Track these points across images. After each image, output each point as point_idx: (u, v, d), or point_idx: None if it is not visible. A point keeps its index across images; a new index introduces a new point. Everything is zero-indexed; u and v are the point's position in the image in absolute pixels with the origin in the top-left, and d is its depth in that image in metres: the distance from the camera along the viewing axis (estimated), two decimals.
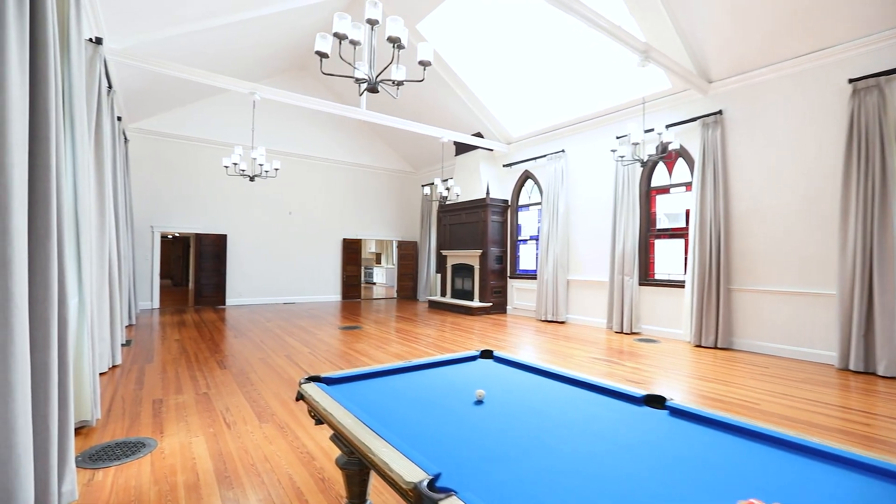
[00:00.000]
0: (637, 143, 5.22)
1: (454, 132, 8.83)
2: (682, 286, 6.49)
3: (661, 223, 7.06)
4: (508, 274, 9.73)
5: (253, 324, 7.47)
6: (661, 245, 7.03)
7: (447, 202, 8.66)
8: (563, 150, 8.40)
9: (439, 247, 12.01)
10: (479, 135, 9.77)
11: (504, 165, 9.80)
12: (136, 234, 9.06)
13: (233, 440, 2.80)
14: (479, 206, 9.56)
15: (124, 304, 6.65)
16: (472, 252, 9.68)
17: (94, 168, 4.23)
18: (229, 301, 10.08)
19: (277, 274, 10.74)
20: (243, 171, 6.56)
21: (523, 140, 9.35)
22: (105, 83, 4.80)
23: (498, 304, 9.58)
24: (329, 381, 2.02)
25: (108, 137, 4.94)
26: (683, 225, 6.72)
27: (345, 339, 6.24)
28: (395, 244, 17.58)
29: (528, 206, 9.51)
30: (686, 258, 6.52)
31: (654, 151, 6.42)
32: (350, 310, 9.72)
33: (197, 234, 9.71)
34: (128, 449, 2.65)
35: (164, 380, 4.09)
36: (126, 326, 6.82)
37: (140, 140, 9.13)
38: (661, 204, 7.05)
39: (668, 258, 6.90)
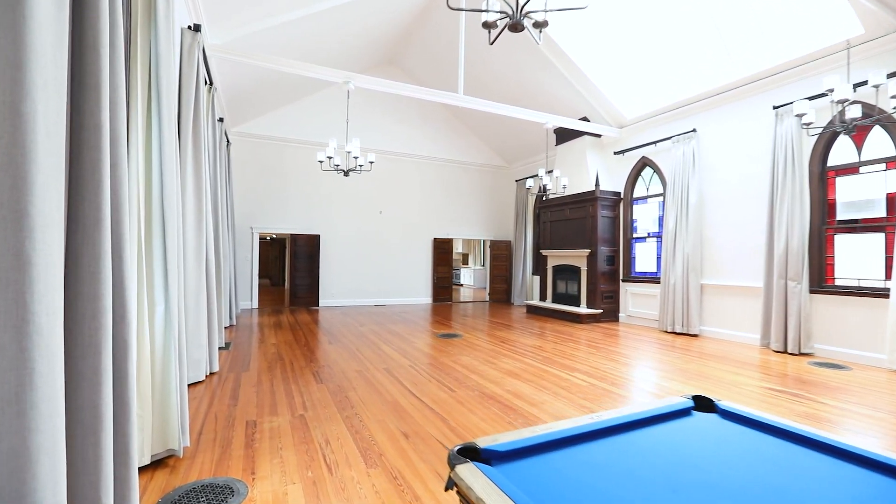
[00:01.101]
0: (841, 103, 3.86)
1: (559, 116, 7.82)
2: (885, 296, 4.89)
3: (843, 213, 5.46)
4: (621, 276, 8.47)
5: (346, 328, 7.11)
6: (844, 241, 5.43)
7: (551, 195, 7.67)
8: (693, 130, 7.01)
9: (538, 246, 11.03)
10: (584, 119, 8.64)
11: (615, 153, 8.56)
12: (237, 236, 9.26)
13: (335, 492, 2.17)
14: (587, 199, 8.43)
15: (224, 305, 6.59)
16: (577, 252, 8.58)
17: (191, 164, 3.95)
18: (322, 302, 10.00)
19: (368, 275, 10.49)
20: (337, 165, 6.19)
21: (640, 122, 8.05)
22: (204, 73, 4.59)
23: (609, 310, 8.38)
24: (493, 457, 1.24)
25: (207, 134, 4.73)
26: (882, 214, 5.08)
27: (445, 350, 5.56)
28: (486, 244, 16.92)
29: (645, 198, 8.19)
30: (893, 258, 4.89)
31: (840, 118, 4.89)
32: (442, 314, 9.11)
33: (292, 235, 9.74)
34: (214, 496, 2.12)
35: (259, 394, 3.67)
36: (226, 327, 6.79)
37: (239, 143, 9.33)
38: (843, 188, 5.45)
39: (858, 258, 5.29)
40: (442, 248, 11.26)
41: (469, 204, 11.83)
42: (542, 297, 9.76)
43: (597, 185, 8.30)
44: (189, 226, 3.83)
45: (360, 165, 6.19)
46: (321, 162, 6.06)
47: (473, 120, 11.07)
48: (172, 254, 2.59)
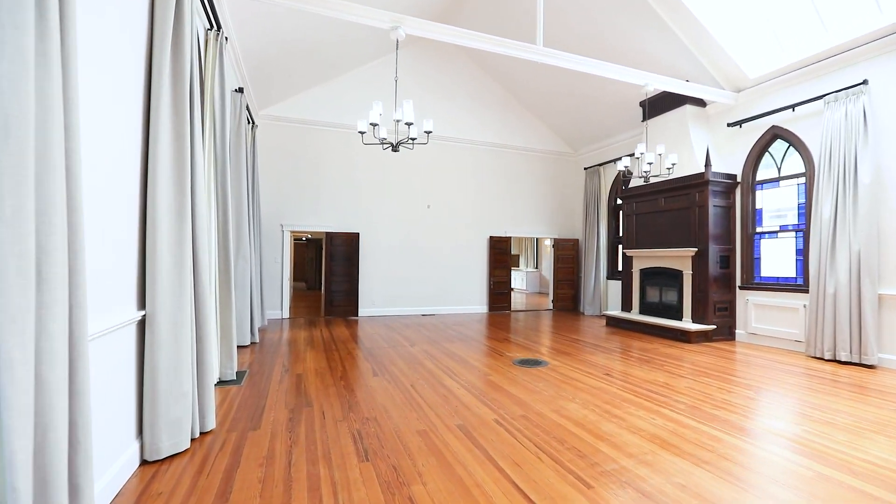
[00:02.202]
0: None
1: (664, 77, 6.06)
2: None
3: None
4: (738, 283, 6.59)
5: (393, 348, 5.65)
6: None
7: (641, 180, 5.93)
8: (863, 82, 5.09)
9: (615, 245, 9.24)
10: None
11: (730, 125, 6.68)
12: (265, 234, 8.03)
13: None
14: (692, 185, 6.61)
15: (244, 320, 5.27)
16: (678, 252, 6.76)
17: (168, 116, 2.57)
18: (362, 311, 8.62)
19: (414, 280, 9.03)
20: (384, 139, 4.73)
21: (768, 82, 6.16)
22: (199, 4, 3.24)
23: (721, 326, 6.52)
24: None
25: (211, 91, 3.38)
26: None
27: (534, 388, 3.96)
28: (539, 243, 15.19)
29: (775, 180, 6.27)
30: None
31: None
32: (505, 327, 7.50)
33: (328, 234, 8.42)
34: None
35: (267, 484, 2.21)
36: (244, 346, 5.47)
37: (267, 128, 8.10)
38: None
39: None
40: (499, 248, 9.65)
41: (529, 197, 10.16)
42: (626, 307, 7.96)
43: (707, 164, 6.46)
44: (161, 210, 2.44)
45: (413, 139, 4.70)
46: (363, 133, 4.61)
47: (534, 98, 9.42)
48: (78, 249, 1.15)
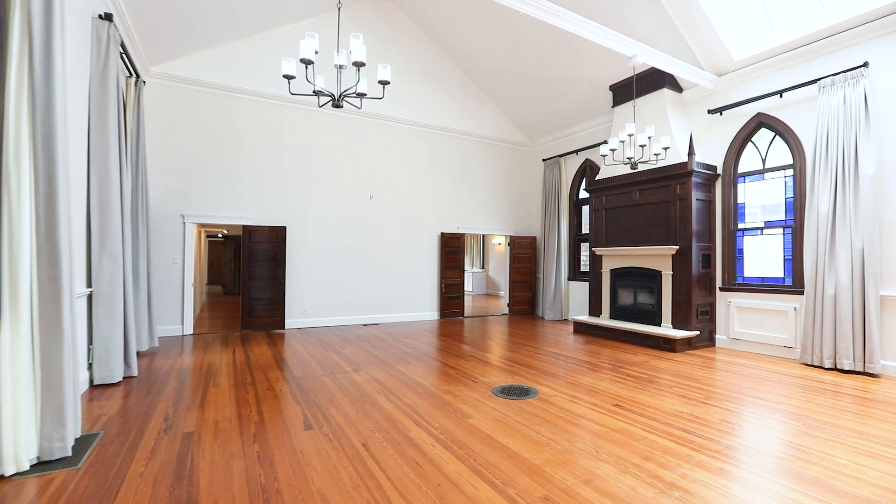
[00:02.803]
0: None
1: (649, 48, 5.28)
2: None
3: None
4: (719, 283, 6.04)
5: (331, 375, 4.30)
6: None
7: (637, 166, 5.14)
8: (864, 65, 4.63)
9: (584, 243, 8.50)
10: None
11: (710, 111, 6.11)
12: (159, 227, 6.25)
13: None
14: (673, 176, 5.95)
15: (113, 347, 3.68)
16: (657, 250, 6.08)
17: None
18: (290, 322, 7.09)
19: (354, 282, 7.65)
20: (319, 91, 3.38)
21: (755, 64, 5.63)
22: None
23: (702, 330, 5.92)
24: None
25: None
26: None
27: (540, 436, 2.86)
28: (485, 241, 14.30)
29: (759, 172, 5.77)
30: None
31: None
32: (463, 337, 6.40)
33: (246, 228, 6.79)
34: None
35: None
36: (113, 384, 3.82)
37: (165, 91, 6.32)
38: None
39: None
40: (452, 247, 8.55)
41: (484, 190, 9.18)
42: (595, 312, 7.20)
43: (691, 153, 5.83)
44: None
45: (360, 94, 3.43)
46: (290, 79, 3.24)
47: (492, 81, 8.43)
48: None
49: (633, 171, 6.03)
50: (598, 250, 7.11)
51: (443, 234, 8.43)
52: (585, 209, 8.49)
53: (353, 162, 7.66)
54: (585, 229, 8.48)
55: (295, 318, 7.15)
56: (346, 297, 7.57)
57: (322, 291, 7.36)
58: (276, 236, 6.92)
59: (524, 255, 9.23)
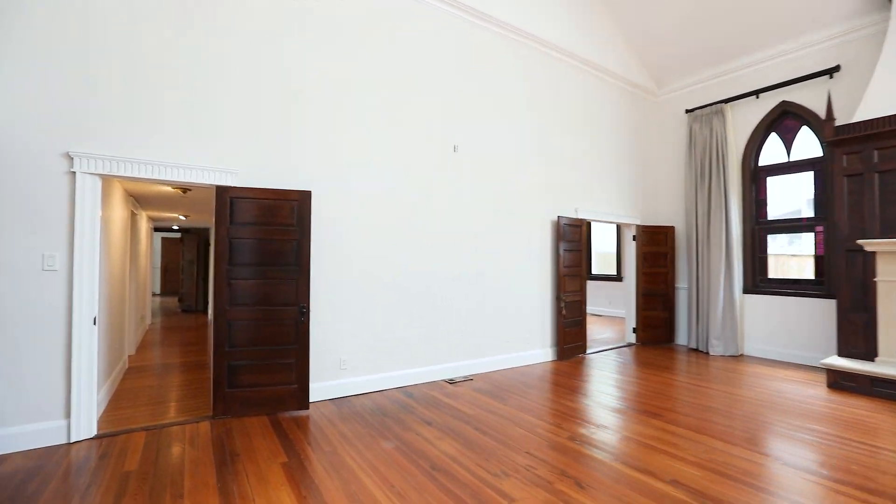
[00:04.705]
0: None
1: None
2: None
3: None
4: None
5: None
6: None
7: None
8: None
9: (824, 233, 5.37)
10: None
11: None
12: (4, 178, 2.56)
13: None
14: None
15: None
16: None
17: None
18: (319, 387, 3.52)
19: (428, 305, 4.17)
20: None
21: None
22: None
23: None
24: None
25: None
26: None
27: None
28: (630, 234, 10.69)
29: None
30: None
31: None
32: (654, 408, 3.10)
33: (224, 191, 3.18)
34: None
35: None
36: None
37: None
38: None
39: None
40: (570, 241, 5.24)
41: (604, 156, 5.94)
42: (856, 350, 4.10)
43: None
44: None
45: None
46: None
47: None
48: None
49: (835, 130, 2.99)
50: (868, 244, 4.02)
51: (559, 221, 5.08)
52: (774, 180, 5.43)
53: (422, 77, 4.20)
54: (773, 211, 5.43)
55: (328, 379, 3.59)
56: (412, 332, 4.08)
57: (377, 325, 3.84)
58: (291, 212, 3.35)
59: (657, 253, 6.05)
